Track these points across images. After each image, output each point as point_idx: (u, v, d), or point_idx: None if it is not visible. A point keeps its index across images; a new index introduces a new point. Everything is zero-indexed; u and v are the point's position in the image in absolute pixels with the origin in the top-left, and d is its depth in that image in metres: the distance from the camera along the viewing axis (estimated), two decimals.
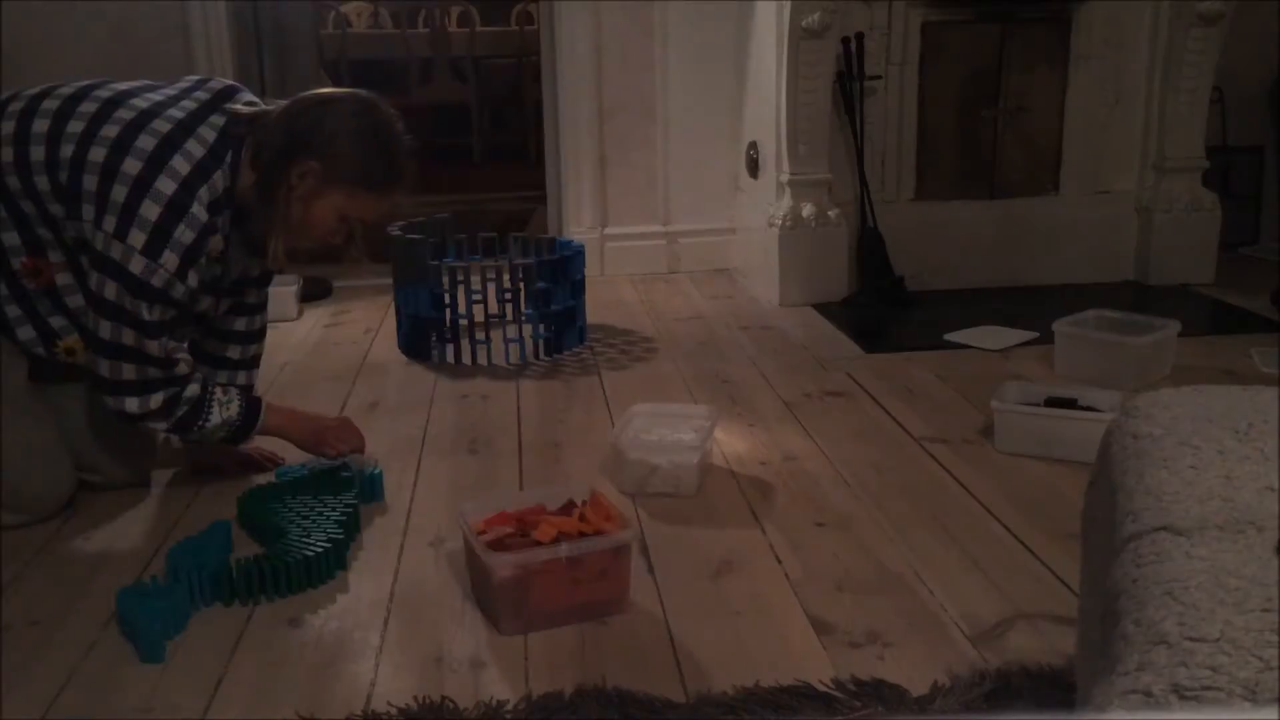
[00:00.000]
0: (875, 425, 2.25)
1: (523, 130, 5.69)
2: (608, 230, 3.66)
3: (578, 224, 3.64)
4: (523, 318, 2.77)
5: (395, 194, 1.86)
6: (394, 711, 1.29)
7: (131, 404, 1.77)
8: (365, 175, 1.79)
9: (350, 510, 1.76)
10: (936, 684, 1.32)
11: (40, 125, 1.73)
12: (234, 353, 2.04)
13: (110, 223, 1.67)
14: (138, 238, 1.67)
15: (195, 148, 1.73)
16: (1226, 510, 0.86)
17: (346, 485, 1.85)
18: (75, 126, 1.71)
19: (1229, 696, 0.65)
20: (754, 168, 3.48)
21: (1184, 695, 0.66)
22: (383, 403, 2.47)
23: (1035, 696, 1.28)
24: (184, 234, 1.69)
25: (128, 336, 1.72)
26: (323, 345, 2.97)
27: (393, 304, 2.94)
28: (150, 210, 1.67)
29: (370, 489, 1.91)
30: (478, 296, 2.67)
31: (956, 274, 3.37)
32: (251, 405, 1.90)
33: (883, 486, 1.93)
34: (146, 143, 1.70)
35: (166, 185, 1.68)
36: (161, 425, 1.82)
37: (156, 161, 1.69)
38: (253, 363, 2.09)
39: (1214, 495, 0.88)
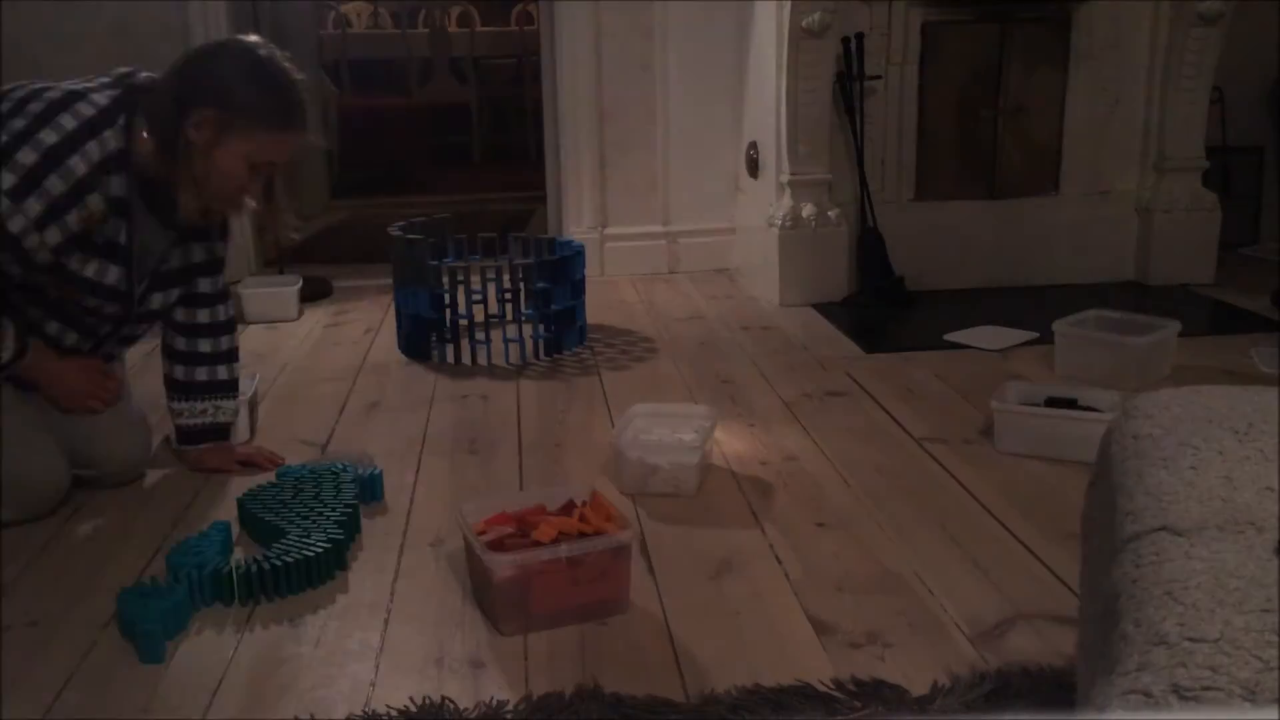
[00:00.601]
0: (875, 425, 2.25)
1: (523, 130, 5.69)
2: (608, 230, 3.66)
3: (578, 224, 3.64)
4: (523, 318, 2.77)
5: (296, 131, 1.82)
6: (394, 712, 1.29)
7: None
8: (261, 114, 1.77)
9: (350, 510, 1.76)
10: (936, 684, 1.32)
11: None
12: (205, 347, 2.03)
13: None
14: (7, 180, 1.65)
15: (85, 108, 1.72)
16: (1226, 510, 0.86)
17: (346, 486, 1.85)
18: None
19: (1229, 696, 0.65)
20: (754, 168, 3.48)
21: (1184, 695, 0.66)
22: (383, 403, 2.47)
23: (1035, 696, 1.28)
24: (54, 184, 1.67)
25: None
26: (323, 345, 2.97)
27: (393, 304, 2.94)
28: (27, 156, 1.66)
29: (370, 489, 1.91)
30: (478, 296, 2.67)
31: (956, 274, 3.37)
32: (21, 348, 1.81)
33: (883, 486, 1.93)
34: (36, 107, 1.70)
35: (49, 136, 1.68)
36: None
37: (42, 119, 1.69)
38: (230, 355, 2.07)
39: (1214, 495, 0.88)
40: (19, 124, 1.68)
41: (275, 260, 3.70)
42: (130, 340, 2.04)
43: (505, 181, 5.21)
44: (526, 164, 5.24)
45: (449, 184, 5.32)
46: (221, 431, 2.07)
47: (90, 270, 1.79)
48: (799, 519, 1.81)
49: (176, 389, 2.05)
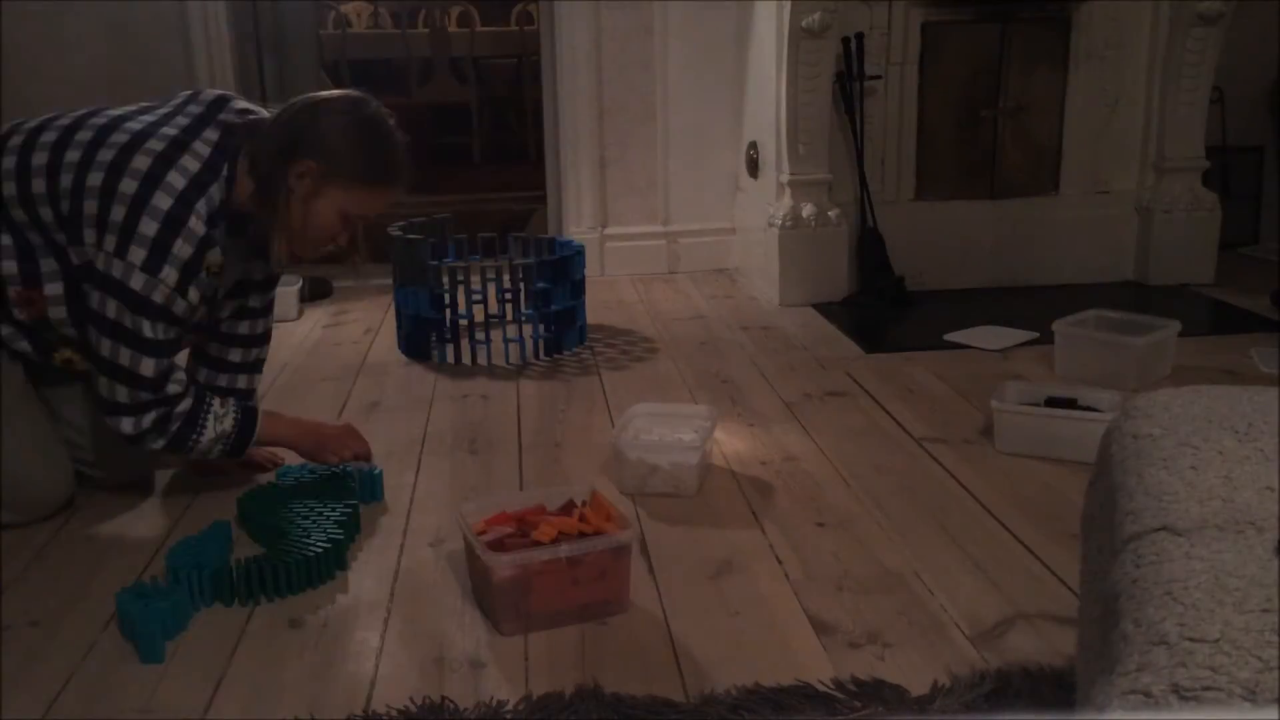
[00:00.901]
0: (875, 425, 2.25)
1: (523, 130, 5.69)
2: (608, 230, 3.66)
3: (578, 224, 3.64)
4: (523, 318, 2.77)
5: (394, 188, 1.85)
6: (394, 712, 1.29)
7: (126, 424, 1.76)
8: (362, 170, 1.79)
9: (350, 510, 1.76)
10: (936, 684, 1.32)
11: (40, 158, 1.74)
12: (235, 356, 2.04)
13: (110, 242, 1.68)
14: (137, 254, 1.67)
15: (190, 162, 1.74)
16: (1226, 510, 0.86)
17: (347, 486, 1.85)
18: (73, 155, 1.73)
19: (1229, 696, 0.65)
20: (754, 168, 3.49)
21: (1184, 695, 0.66)
22: (383, 403, 2.47)
23: (1035, 696, 1.28)
24: (182, 249, 1.69)
25: (124, 356, 1.72)
26: (323, 345, 2.97)
27: (393, 304, 2.94)
28: (149, 227, 1.68)
29: (370, 489, 1.91)
30: (478, 296, 2.67)
31: (956, 274, 3.37)
32: (247, 416, 1.88)
33: (883, 486, 1.93)
34: (142, 162, 1.71)
35: (163, 201, 1.69)
36: (158, 443, 1.80)
37: (152, 179, 1.70)
38: (254, 366, 2.09)
39: (1214, 495, 0.88)
40: (130, 187, 1.69)
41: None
42: None
43: (505, 181, 5.21)
44: (526, 164, 5.24)
45: (449, 184, 5.31)
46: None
47: (197, 313, 1.82)
48: (799, 519, 1.81)
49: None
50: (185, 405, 1.80)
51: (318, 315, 3.29)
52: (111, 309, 1.70)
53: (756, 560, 1.67)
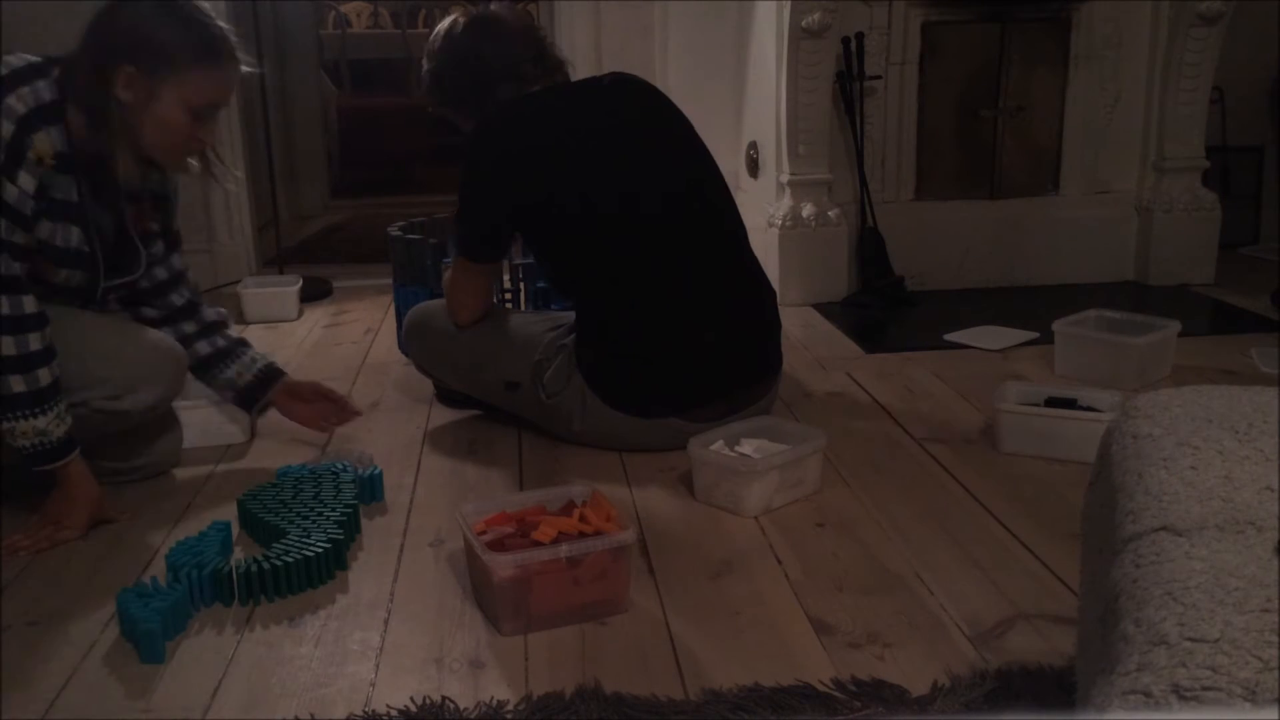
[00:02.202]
0: (875, 425, 2.25)
1: None
2: None
3: None
4: None
5: (225, 65, 1.76)
6: (394, 712, 1.29)
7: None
8: (186, 52, 1.71)
9: (350, 510, 1.76)
10: (936, 684, 1.32)
11: None
12: (210, 315, 2.06)
13: None
14: None
15: (12, 59, 1.70)
16: (1226, 510, 0.86)
17: (346, 486, 1.85)
18: None
19: (1229, 696, 0.65)
20: (754, 168, 3.49)
21: (1184, 695, 0.66)
22: (383, 403, 2.47)
23: (1035, 696, 1.28)
24: (3, 127, 1.63)
25: None
26: (323, 345, 2.97)
27: (392, 304, 2.94)
28: None
29: (370, 489, 1.91)
30: None
31: (956, 274, 3.37)
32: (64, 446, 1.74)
33: (883, 486, 1.93)
34: None
35: None
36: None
37: None
38: (216, 327, 2.08)
39: (1214, 495, 0.88)
40: None
41: (275, 260, 3.70)
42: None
43: None
44: None
45: (449, 184, 5.32)
46: (275, 371, 2.11)
47: (53, 235, 1.73)
48: (799, 519, 1.81)
49: (214, 361, 2.06)
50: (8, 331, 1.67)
51: (317, 315, 3.29)
52: None
53: (756, 560, 1.67)
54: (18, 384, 1.68)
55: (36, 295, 1.73)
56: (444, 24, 2.14)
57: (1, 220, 1.64)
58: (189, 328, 2.04)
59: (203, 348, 2.05)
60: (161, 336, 1.97)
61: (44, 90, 1.68)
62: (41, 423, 1.71)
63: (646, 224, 2.02)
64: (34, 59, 1.73)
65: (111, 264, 1.86)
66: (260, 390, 2.09)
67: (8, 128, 1.63)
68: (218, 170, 1.88)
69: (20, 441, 1.71)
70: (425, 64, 2.15)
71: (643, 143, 2.07)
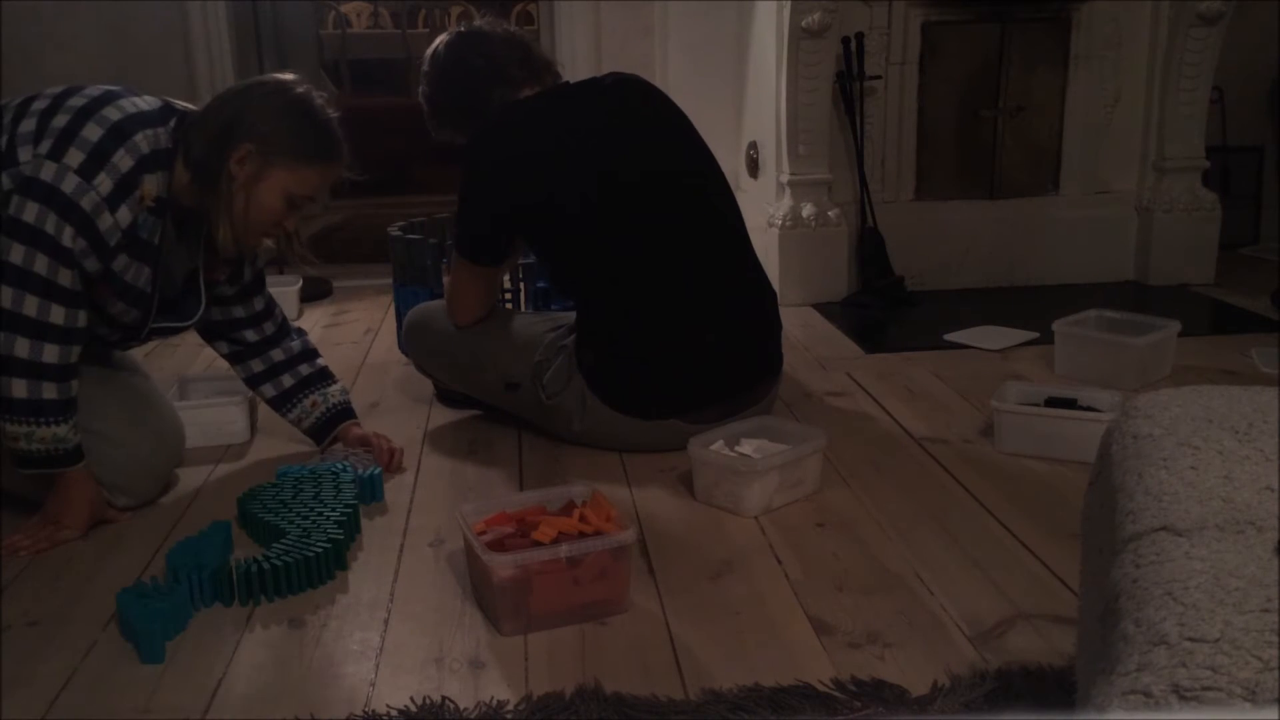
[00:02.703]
0: (875, 425, 2.25)
1: None
2: None
3: None
4: None
5: (333, 165, 1.84)
6: (394, 712, 1.29)
7: (21, 346, 1.65)
8: (301, 147, 1.79)
9: (350, 510, 1.76)
10: (936, 684, 1.32)
11: (6, 117, 1.72)
12: (278, 355, 2.08)
13: (46, 145, 1.64)
14: (75, 156, 1.63)
15: (141, 101, 1.75)
16: (1226, 510, 0.86)
17: (346, 486, 1.85)
18: (39, 105, 1.72)
19: (1229, 696, 0.65)
20: (754, 168, 3.49)
21: (1184, 695, 0.66)
22: (383, 403, 2.47)
23: (1035, 696, 1.28)
24: (123, 159, 1.66)
25: (40, 264, 1.63)
26: (323, 345, 2.96)
27: (392, 304, 2.94)
28: (92, 131, 1.65)
29: (370, 489, 1.91)
30: None
31: (956, 274, 3.37)
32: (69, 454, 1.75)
33: (883, 486, 1.93)
34: (93, 90, 1.72)
35: (113, 113, 1.67)
36: (30, 391, 1.67)
37: (104, 98, 1.69)
38: (303, 356, 2.10)
39: (1214, 495, 0.88)
40: (78, 101, 1.68)
41: (275, 260, 3.70)
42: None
43: None
44: None
45: (449, 184, 5.31)
46: (345, 411, 2.11)
47: (125, 269, 1.76)
48: (799, 519, 1.81)
49: (278, 404, 2.09)
50: (53, 378, 1.68)
51: (318, 315, 3.29)
52: (30, 213, 1.62)
53: (756, 560, 1.67)
54: (50, 391, 1.70)
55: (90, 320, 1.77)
56: (430, 49, 2.17)
57: (81, 240, 1.66)
58: (256, 366, 2.07)
59: (267, 390, 2.08)
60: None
61: (164, 137, 1.74)
62: (62, 430, 1.73)
63: (647, 224, 2.02)
64: (158, 104, 1.78)
65: (169, 308, 1.90)
66: (321, 434, 2.10)
67: (128, 162, 1.68)
68: (296, 254, 1.92)
69: (34, 446, 1.71)
70: (421, 91, 2.19)
71: (643, 143, 2.07)
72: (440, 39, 2.17)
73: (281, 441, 2.18)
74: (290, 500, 1.79)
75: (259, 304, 2.07)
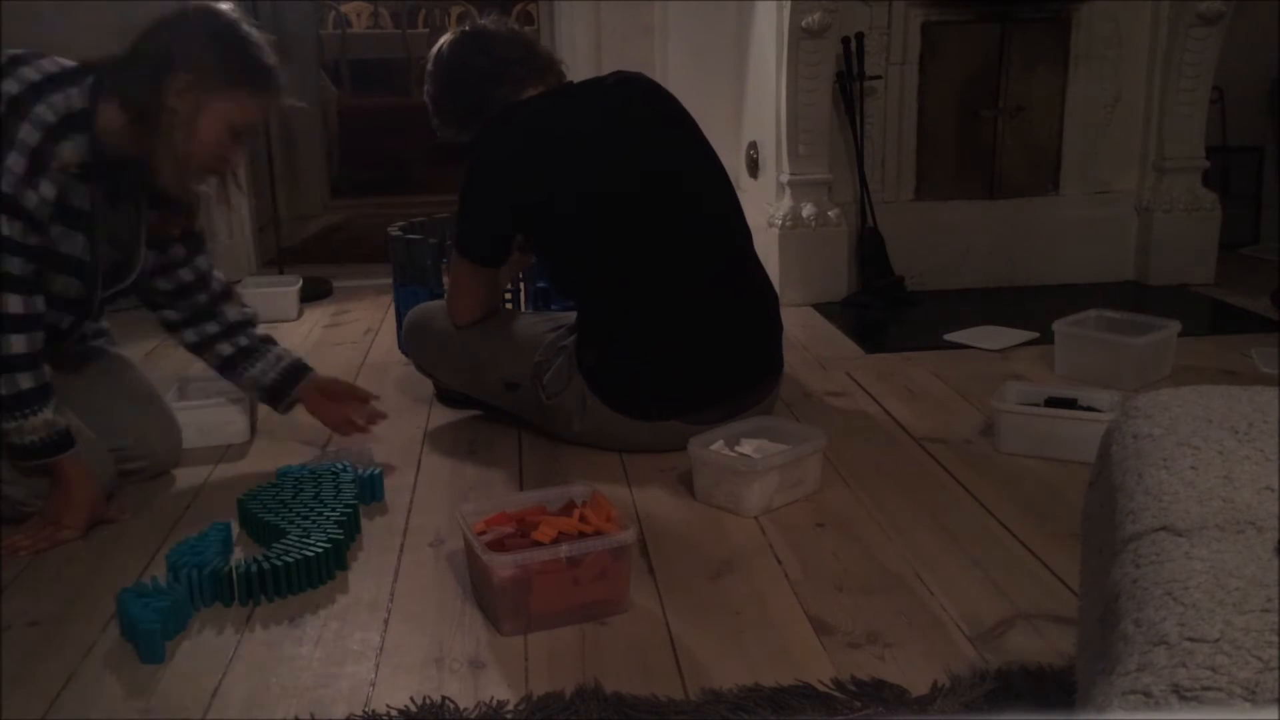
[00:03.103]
0: (875, 425, 2.25)
1: None
2: None
3: None
4: None
5: (271, 90, 1.81)
6: (394, 712, 1.29)
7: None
8: (238, 73, 1.75)
9: (350, 510, 1.76)
10: (936, 684, 1.32)
11: None
12: (234, 314, 2.06)
13: None
14: None
15: (47, 64, 1.71)
16: (1226, 510, 0.86)
17: (346, 486, 1.85)
18: None
19: (1229, 697, 0.65)
20: (754, 168, 3.49)
21: (1184, 696, 0.66)
22: (383, 403, 2.46)
23: (1035, 696, 1.28)
24: (29, 134, 1.63)
25: None
26: (323, 345, 2.97)
27: (392, 304, 2.94)
28: None
29: (370, 489, 1.91)
30: None
31: (956, 274, 3.37)
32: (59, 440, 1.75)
33: (883, 486, 1.93)
34: None
35: (10, 86, 1.64)
36: (7, 386, 1.68)
37: (4, 73, 1.66)
38: (247, 323, 2.09)
39: (1214, 495, 0.88)
40: None
41: (275, 260, 3.70)
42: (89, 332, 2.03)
43: None
44: None
45: (449, 184, 5.31)
46: (301, 368, 2.10)
47: (59, 241, 1.73)
48: (799, 519, 1.81)
49: (236, 361, 2.06)
50: (25, 367, 1.68)
51: (318, 315, 3.29)
52: None
53: (756, 560, 1.67)
54: (26, 380, 1.69)
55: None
56: (434, 48, 2.17)
57: (17, 224, 1.64)
58: (211, 329, 2.05)
59: (225, 348, 2.06)
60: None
61: (75, 97, 1.69)
62: (48, 413, 1.72)
63: (648, 225, 2.02)
64: (68, 64, 1.74)
65: (114, 273, 1.86)
66: (286, 388, 2.09)
67: (35, 135, 1.64)
68: (233, 193, 1.91)
69: (29, 438, 1.71)
70: (425, 90, 2.19)
71: (645, 143, 2.07)
72: (444, 38, 2.17)
73: (281, 441, 2.18)
74: (290, 500, 1.79)
75: (203, 264, 2.04)
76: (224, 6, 1.81)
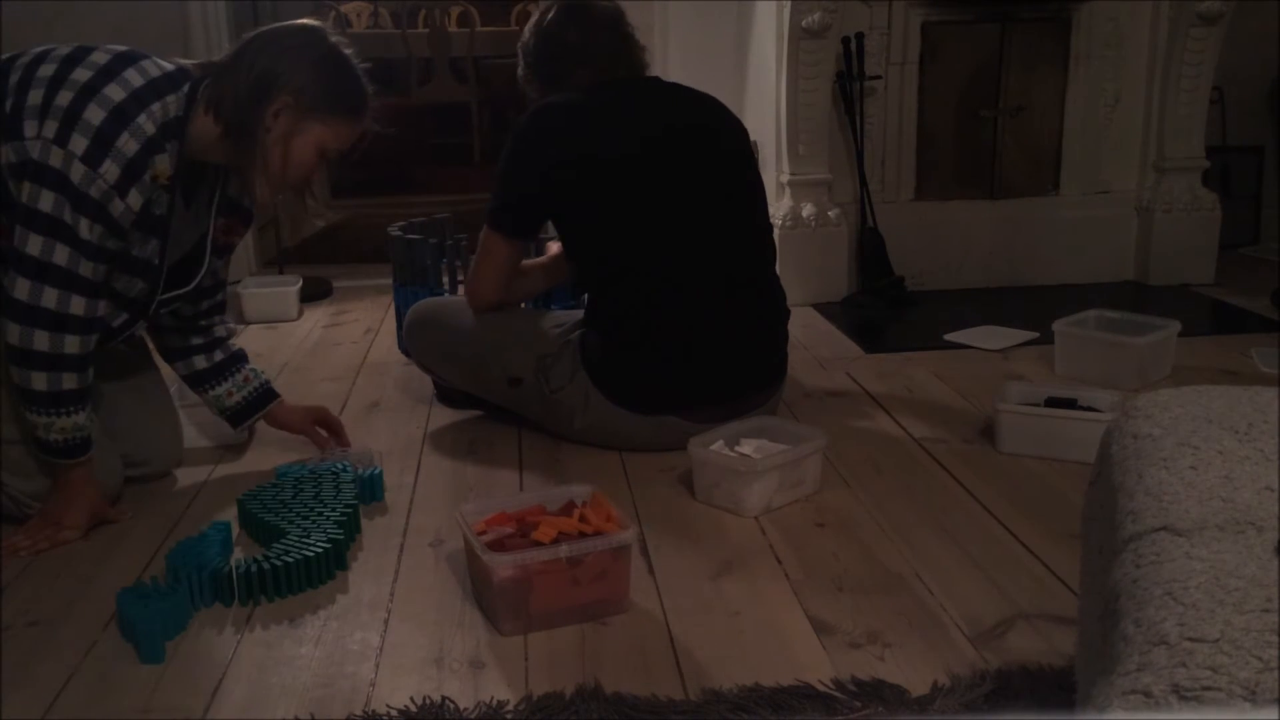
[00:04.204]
0: (875, 425, 2.25)
1: None
2: None
3: None
4: None
5: (364, 118, 1.83)
6: (394, 712, 1.29)
7: (41, 339, 1.64)
8: (338, 101, 1.77)
9: (350, 510, 1.76)
10: (936, 684, 1.32)
11: (14, 77, 1.67)
12: (220, 331, 2.06)
13: (51, 128, 1.60)
14: (79, 143, 1.60)
15: (151, 67, 1.70)
16: (1226, 510, 0.86)
17: (346, 486, 1.85)
18: (44, 70, 1.66)
19: (1229, 697, 0.65)
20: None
21: (1184, 695, 0.66)
22: (383, 403, 2.47)
23: (1035, 696, 1.28)
24: (127, 144, 1.63)
25: (60, 254, 1.62)
26: (323, 345, 2.97)
27: (392, 304, 2.94)
28: (94, 114, 1.61)
29: (370, 489, 1.91)
30: None
31: (956, 274, 3.37)
32: (76, 445, 1.74)
33: (883, 486, 1.93)
34: (100, 58, 1.67)
35: (115, 92, 1.63)
36: (27, 372, 1.66)
37: (107, 71, 1.65)
38: (226, 339, 2.08)
39: (1214, 495, 0.88)
40: (83, 76, 1.64)
41: (275, 260, 3.70)
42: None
43: None
44: None
45: (449, 184, 5.31)
46: (266, 396, 2.09)
47: (134, 242, 1.73)
48: (799, 519, 1.81)
49: (208, 376, 2.05)
50: (74, 368, 1.69)
51: (318, 315, 3.29)
52: (47, 202, 1.60)
53: (756, 560, 1.67)
54: (70, 381, 1.70)
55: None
56: (543, 7, 2.23)
57: (98, 228, 1.64)
58: (197, 340, 2.04)
59: (199, 361, 2.04)
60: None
61: (173, 105, 1.70)
62: (81, 418, 1.73)
63: (673, 220, 2.05)
64: (169, 67, 1.74)
65: (173, 277, 1.87)
66: (247, 414, 2.08)
67: (133, 146, 1.64)
68: (312, 206, 1.92)
69: (54, 436, 1.72)
70: (520, 43, 2.25)
71: (690, 147, 2.10)
72: (556, 3, 2.20)
73: (281, 442, 2.18)
74: (290, 500, 1.79)
75: (223, 271, 2.04)
76: (327, 29, 1.83)
